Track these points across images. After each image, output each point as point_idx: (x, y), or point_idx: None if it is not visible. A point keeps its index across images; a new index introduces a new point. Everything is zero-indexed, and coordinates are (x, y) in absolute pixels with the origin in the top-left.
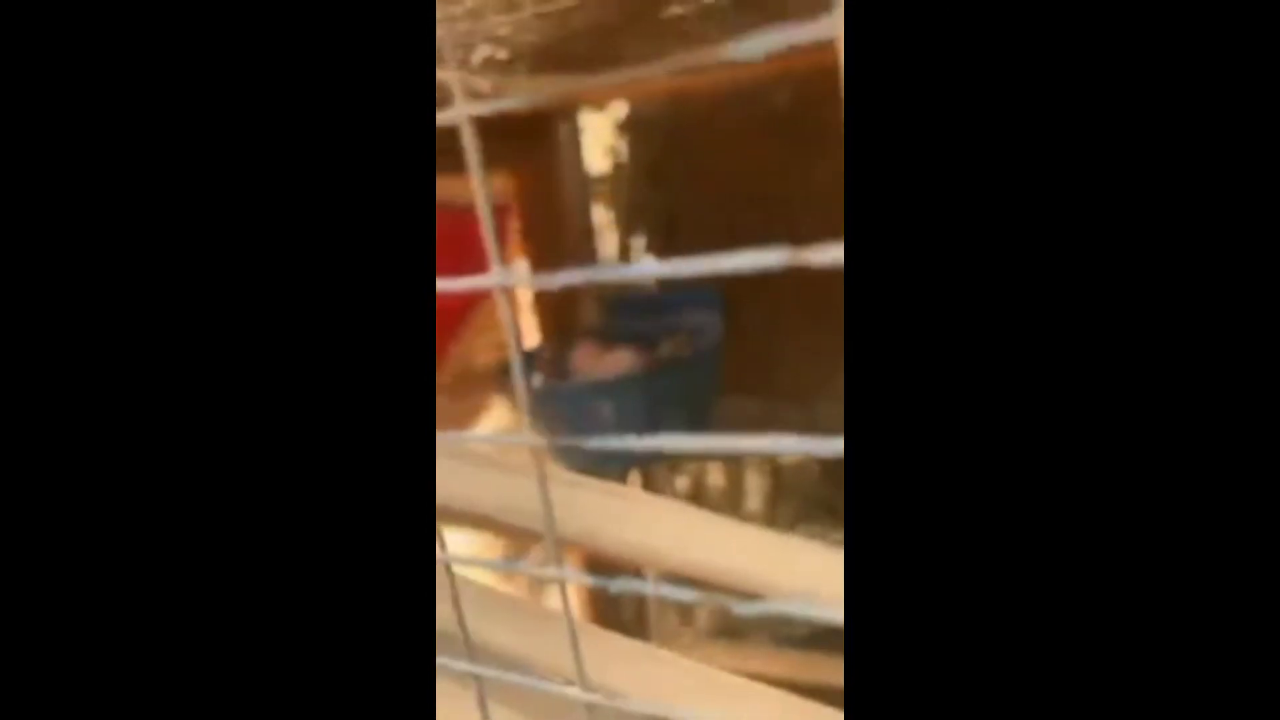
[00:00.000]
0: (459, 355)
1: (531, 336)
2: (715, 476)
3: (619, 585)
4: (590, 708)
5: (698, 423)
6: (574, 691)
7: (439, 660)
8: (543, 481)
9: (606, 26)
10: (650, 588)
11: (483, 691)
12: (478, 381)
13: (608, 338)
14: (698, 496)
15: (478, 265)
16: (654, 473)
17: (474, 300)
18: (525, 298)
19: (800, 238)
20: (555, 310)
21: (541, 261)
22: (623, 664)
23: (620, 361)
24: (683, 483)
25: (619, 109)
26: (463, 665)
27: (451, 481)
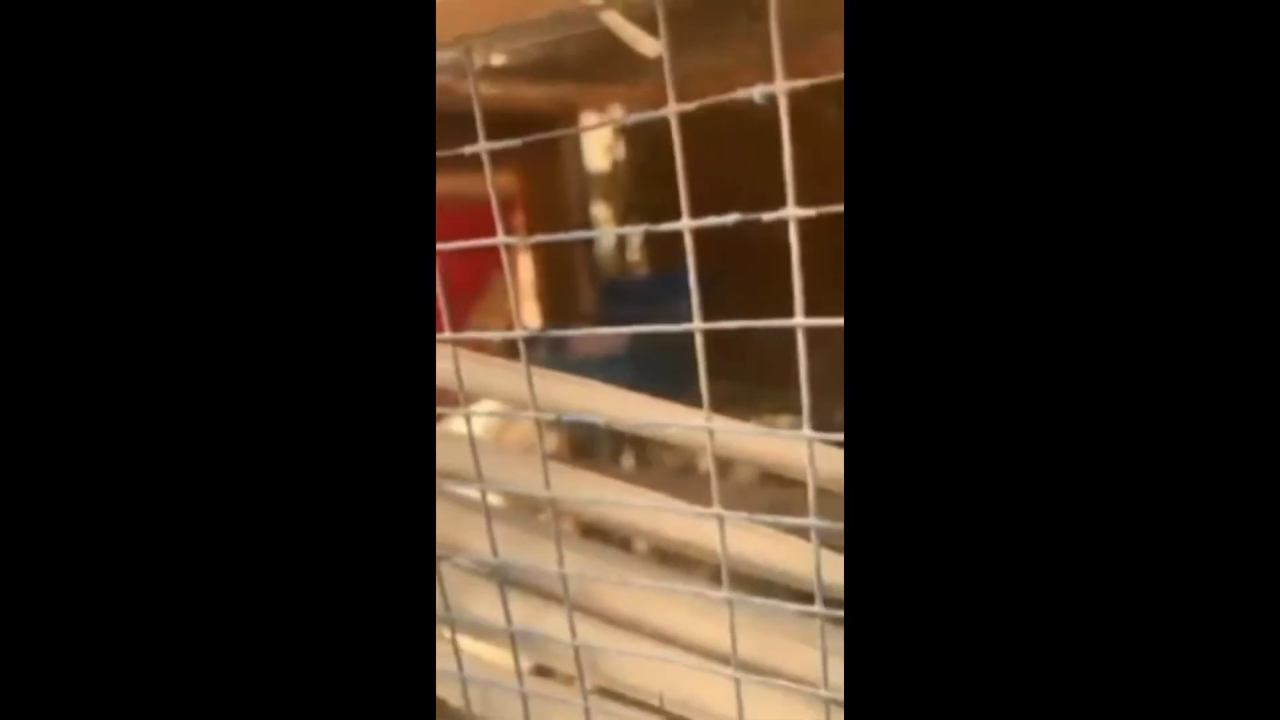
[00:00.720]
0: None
1: (533, 320)
2: (706, 459)
3: (571, 417)
4: (553, 501)
5: (679, 399)
6: (544, 493)
7: (457, 489)
8: (525, 365)
9: (596, 51)
10: (590, 417)
11: (488, 507)
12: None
13: (600, 323)
14: (688, 473)
15: (485, 250)
16: (648, 454)
17: (484, 288)
18: (528, 286)
19: (773, 230)
20: (554, 297)
21: (543, 253)
22: (584, 486)
23: (611, 342)
24: (673, 460)
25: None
26: (472, 491)
27: (480, 374)
